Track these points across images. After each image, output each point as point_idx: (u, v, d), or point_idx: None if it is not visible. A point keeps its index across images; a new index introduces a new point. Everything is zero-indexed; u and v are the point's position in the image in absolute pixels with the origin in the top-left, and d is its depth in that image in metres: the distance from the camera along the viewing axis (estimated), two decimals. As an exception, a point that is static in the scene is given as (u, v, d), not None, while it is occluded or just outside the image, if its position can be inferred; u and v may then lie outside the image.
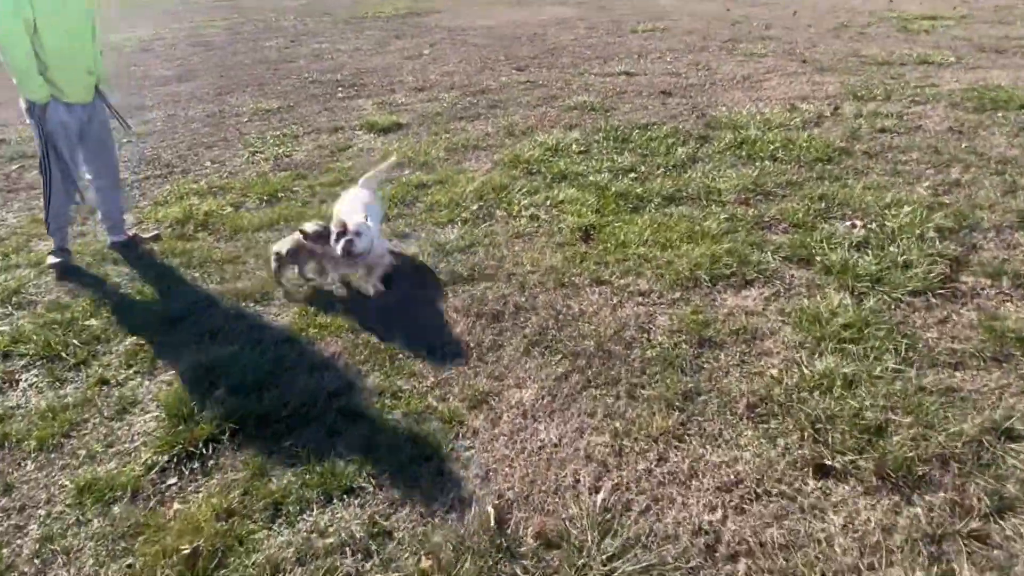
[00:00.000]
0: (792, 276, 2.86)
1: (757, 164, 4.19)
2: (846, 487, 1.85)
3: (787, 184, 3.84)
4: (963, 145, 4.35)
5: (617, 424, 2.13)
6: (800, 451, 1.97)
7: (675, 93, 6.18)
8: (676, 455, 2.01)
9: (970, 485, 1.81)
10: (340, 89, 7.39)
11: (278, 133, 5.68)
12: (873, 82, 6.12)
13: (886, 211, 3.39)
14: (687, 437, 2.07)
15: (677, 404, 2.19)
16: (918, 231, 3.11)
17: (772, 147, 4.44)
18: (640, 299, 2.76)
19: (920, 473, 1.85)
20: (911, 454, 1.89)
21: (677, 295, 2.77)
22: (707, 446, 2.03)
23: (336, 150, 5.15)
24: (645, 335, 2.55)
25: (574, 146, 4.71)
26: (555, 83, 6.92)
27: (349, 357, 2.56)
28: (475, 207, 3.77)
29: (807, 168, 4.08)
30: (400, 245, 3.42)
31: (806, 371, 2.25)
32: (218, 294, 3.12)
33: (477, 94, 6.65)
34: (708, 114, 5.39)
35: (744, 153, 4.40)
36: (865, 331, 2.41)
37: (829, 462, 1.91)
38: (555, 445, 2.08)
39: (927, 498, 1.79)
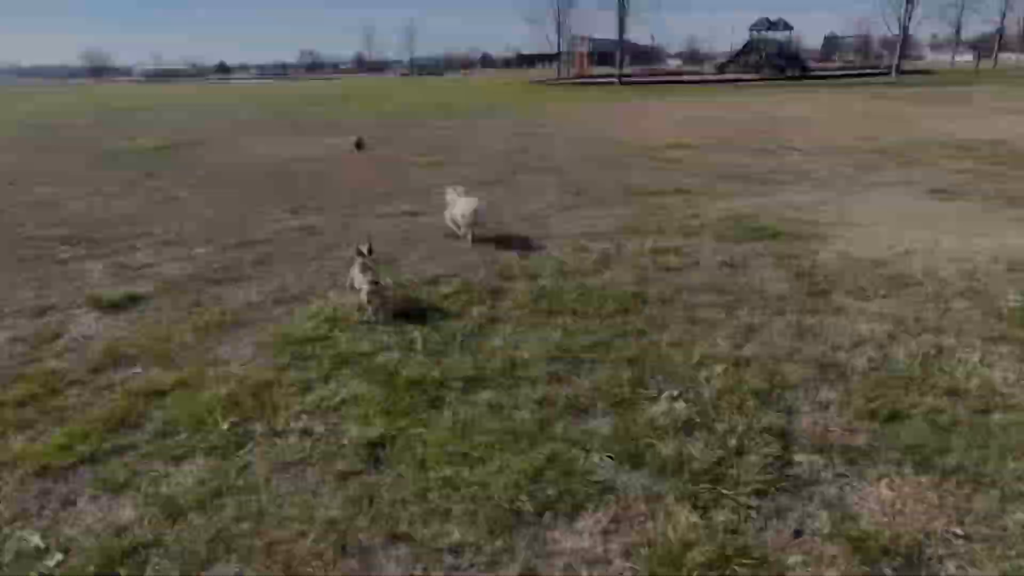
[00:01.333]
0: (627, 486, 2.40)
1: (559, 321, 3.87)
2: None
3: (594, 346, 3.53)
4: (742, 281, 4.49)
5: None
6: None
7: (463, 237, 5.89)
8: None
9: None
10: (64, 248, 6.01)
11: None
12: (643, 214, 6.43)
13: (698, 374, 3.18)
14: None
15: None
16: (736, 400, 2.90)
17: (570, 298, 4.20)
18: (453, 561, 2.08)
19: None
20: None
21: (499, 543, 2.14)
22: None
23: (39, 342, 3.89)
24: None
25: (356, 313, 4.04)
26: (334, 228, 6.31)
27: None
28: (226, 426, 2.86)
29: (609, 322, 3.84)
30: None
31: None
32: None
33: (241, 247, 5.77)
34: (500, 261, 5.11)
35: (544, 307, 4.09)
36: (727, 569, 1.97)
37: None
38: None
39: None
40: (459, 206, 5.61)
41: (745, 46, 39.99)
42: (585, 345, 3.55)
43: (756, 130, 13.41)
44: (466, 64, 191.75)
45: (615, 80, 36.88)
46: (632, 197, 7.27)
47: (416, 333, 3.75)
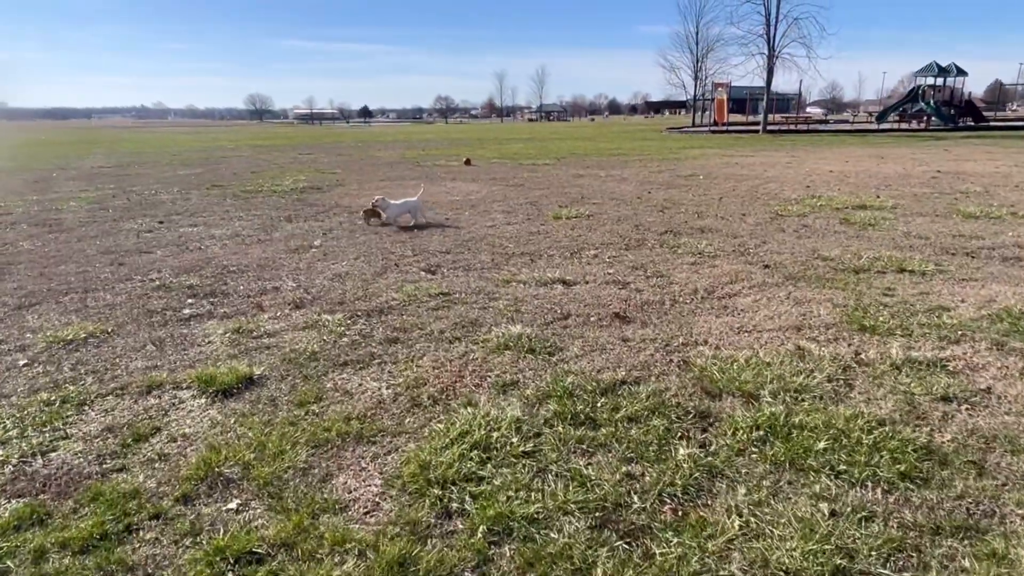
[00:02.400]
0: None
1: (814, 487, 2.59)
2: None
3: (893, 551, 2.22)
4: (1080, 435, 2.98)
5: None
6: None
7: (633, 317, 4.75)
8: None
9: None
10: (191, 301, 5.54)
11: (54, 398, 3.66)
12: (867, 302, 4.97)
13: None
14: None
15: None
16: None
17: (814, 440, 2.90)
18: None
19: None
20: None
21: None
22: None
23: (132, 438, 3.17)
24: None
25: (515, 439, 2.99)
26: (475, 297, 5.39)
27: None
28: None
29: (896, 498, 2.51)
30: None
31: None
32: None
33: (373, 315, 4.97)
34: (690, 360, 3.91)
35: (778, 455, 2.83)
36: None
37: None
38: None
39: None
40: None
41: (909, 93, 36.36)
42: (875, 546, 2.24)
43: (953, 189, 11.30)
44: (593, 110, 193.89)
45: (758, 129, 34.71)
46: (840, 275, 5.81)
47: (602, 477, 2.62)
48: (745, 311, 4.87)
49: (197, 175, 16.87)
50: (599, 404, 3.33)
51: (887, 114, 37.20)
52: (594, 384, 3.56)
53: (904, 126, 34.93)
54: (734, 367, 3.73)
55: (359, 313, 5.04)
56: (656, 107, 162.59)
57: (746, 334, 4.37)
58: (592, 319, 4.73)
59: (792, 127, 36.69)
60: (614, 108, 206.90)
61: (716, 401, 3.36)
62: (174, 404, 3.56)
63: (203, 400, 3.58)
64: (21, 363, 4.24)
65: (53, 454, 3.09)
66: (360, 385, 3.70)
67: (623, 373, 3.72)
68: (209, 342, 4.51)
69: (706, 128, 39.41)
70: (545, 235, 8.03)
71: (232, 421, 3.32)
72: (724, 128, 37.87)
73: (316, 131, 65.61)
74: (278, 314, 5.10)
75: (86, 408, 3.55)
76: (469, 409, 3.32)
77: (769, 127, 34.68)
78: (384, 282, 5.96)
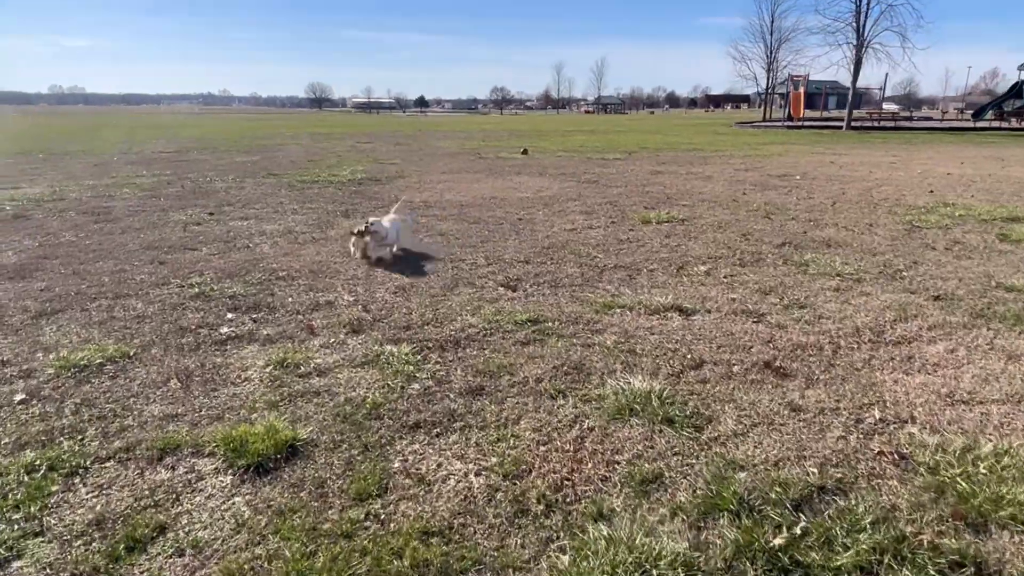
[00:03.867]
0: None
1: None
2: None
3: None
4: None
5: None
6: None
7: (791, 370, 3.58)
8: None
9: None
10: (230, 316, 4.65)
11: (41, 461, 2.76)
12: (1111, 360, 3.66)
13: None
14: None
15: None
16: None
17: None
18: None
19: None
20: None
21: None
22: None
23: (122, 549, 2.23)
24: None
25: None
26: (572, 327, 4.31)
27: None
28: None
29: None
30: None
31: None
32: None
33: (447, 348, 3.96)
34: (905, 451, 2.72)
35: None
36: None
37: None
38: None
39: None
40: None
41: (1011, 89, 33.28)
42: None
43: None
44: (651, 103, 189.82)
45: (839, 125, 32.36)
46: (1036, 312, 4.48)
47: None
48: (942, 366, 3.63)
49: (254, 162, 16.32)
50: (798, 531, 2.20)
51: (986, 111, 34.18)
52: (779, 491, 2.43)
53: (1004, 124, 31.97)
54: (985, 470, 2.53)
55: (430, 344, 4.02)
56: (716, 101, 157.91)
57: (964, 406, 3.14)
58: (736, 369, 3.58)
59: (877, 124, 34.12)
60: (673, 101, 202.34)
61: (983, 538, 2.19)
62: (190, 482, 2.60)
63: (228, 479, 2.62)
64: (18, 399, 3.38)
65: (12, 566, 2.16)
66: (439, 466, 2.67)
67: (814, 471, 2.57)
68: (246, 379, 3.57)
69: (780, 123, 37.13)
70: (637, 243, 6.87)
71: (263, 523, 2.33)
72: (800, 124, 35.57)
73: (374, 120, 65.74)
74: (332, 340, 4.13)
75: (77, 481, 2.63)
76: (602, 528, 2.24)
77: (852, 123, 32.27)
78: (457, 300, 4.94)
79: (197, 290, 5.31)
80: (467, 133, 31.54)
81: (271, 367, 3.70)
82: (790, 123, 36.24)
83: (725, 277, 5.51)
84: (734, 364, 3.65)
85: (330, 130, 36.80)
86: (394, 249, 6.28)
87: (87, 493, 2.56)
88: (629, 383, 3.34)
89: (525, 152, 17.96)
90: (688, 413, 3.04)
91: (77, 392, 3.45)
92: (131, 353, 4.00)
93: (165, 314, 4.76)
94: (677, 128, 37.87)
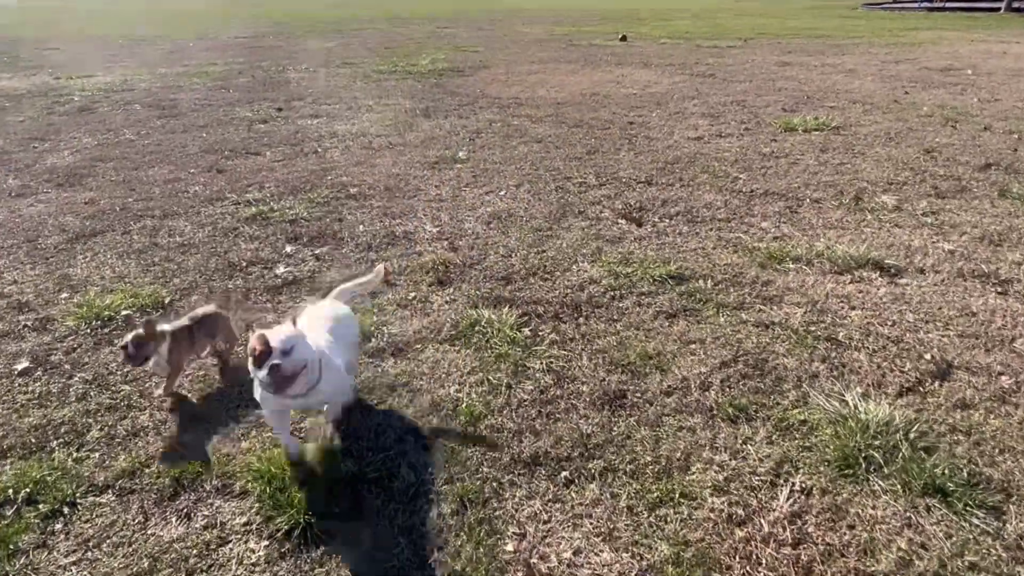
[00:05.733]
0: None
1: None
2: None
3: None
4: None
5: None
6: None
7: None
8: None
9: None
10: (289, 250, 3.75)
11: (18, 482, 1.98)
12: None
13: None
14: None
15: None
16: None
17: None
18: None
19: None
20: None
21: None
22: None
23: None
24: None
25: None
26: (732, 288, 3.14)
27: None
28: None
29: None
30: None
31: None
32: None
33: (564, 318, 2.91)
34: None
35: None
36: None
37: None
38: None
39: None
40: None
41: None
42: None
43: None
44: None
45: (997, 7, 27.39)
46: None
47: None
48: None
49: (328, 49, 15.14)
50: None
51: None
52: None
53: None
54: None
55: (541, 310, 2.98)
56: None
57: None
58: (1007, 383, 2.36)
59: (1042, 4, 28.57)
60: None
61: None
62: (214, 541, 1.75)
63: (263, 548, 1.74)
64: (18, 368, 2.63)
65: None
66: (577, 555, 1.70)
67: None
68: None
69: (917, 4, 31.94)
70: (787, 159, 5.43)
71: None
72: (943, 6, 30.43)
73: (454, 1, 62.15)
74: (412, 295, 3.16)
75: (58, 524, 1.84)
76: None
77: (1014, 4, 27.17)
78: (568, 238, 3.83)
79: (255, 209, 4.42)
80: (555, 15, 28.85)
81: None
82: (931, 5, 31.10)
83: (925, 215, 4.10)
84: (1001, 372, 2.42)
85: (408, 13, 34.71)
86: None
87: (66, 549, 1.75)
88: (847, 403, 2.20)
89: (624, 39, 15.85)
90: (966, 478, 1.90)
91: (91, 362, 2.66)
92: (166, 299, 3.18)
93: (215, 242, 3.92)
94: (795, 11, 33.39)
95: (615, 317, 2.89)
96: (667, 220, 4.11)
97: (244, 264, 3.59)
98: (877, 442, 2.00)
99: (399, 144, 6.19)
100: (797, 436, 2.10)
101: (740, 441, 2.09)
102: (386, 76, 10.63)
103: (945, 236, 3.75)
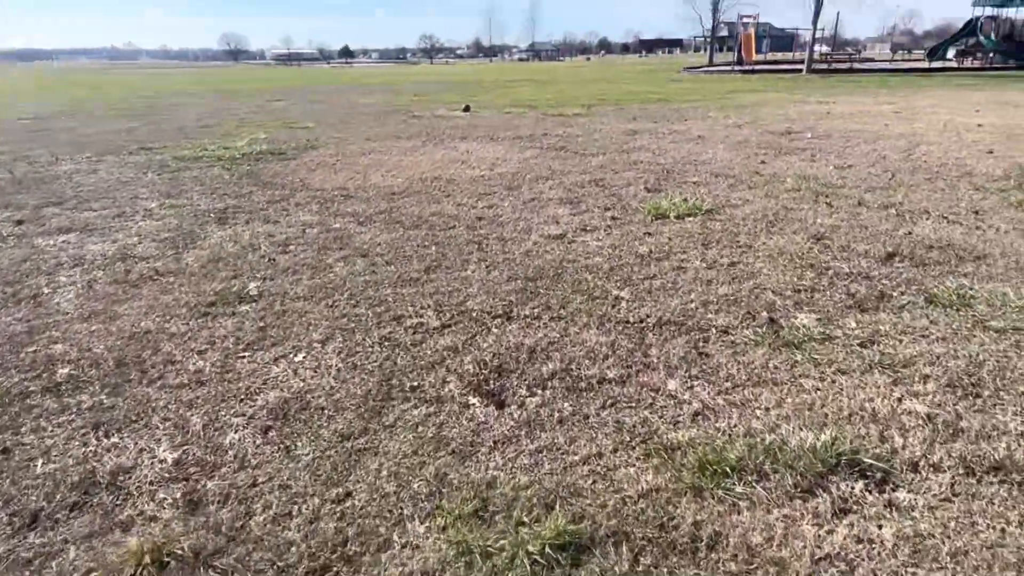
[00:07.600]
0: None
1: None
2: None
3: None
4: None
5: None
6: None
7: None
8: None
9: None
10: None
11: None
12: None
13: None
14: None
15: None
16: None
17: None
18: None
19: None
20: None
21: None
22: None
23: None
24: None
25: None
26: (638, 543, 1.84)
27: None
28: None
29: None
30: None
31: None
32: None
33: None
34: None
35: None
36: None
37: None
38: None
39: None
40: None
41: (965, 27, 32.02)
42: None
43: None
44: (584, 49, 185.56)
45: (798, 68, 30.49)
46: None
47: None
48: None
49: (129, 131, 12.91)
50: None
51: (941, 50, 32.93)
52: None
53: (964, 64, 30.75)
54: None
55: None
56: (649, 46, 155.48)
57: None
58: None
59: (834, 66, 32.39)
60: (605, 47, 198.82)
61: None
62: None
63: None
64: None
65: None
66: None
67: None
68: None
69: (729, 68, 35.05)
70: (669, 261, 4.43)
71: None
72: (752, 68, 33.59)
73: (293, 73, 60.42)
74: None
75: None
76: None
77: (812, 66, 30.42)
78: (390, 454, 2.39)
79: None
80: (396, 87, 28.11)
81: None
82: (741, 67, 34.22)
83: (864, 346, 3.14)
84: None
85: (241, 85, 32.47)
86: None
87: None
88: None
89: (467, 109, 15.12)
90: None
91: None
92: None
93: None
94: (624, 75, 35.32)
95: None
96: (539, 392, 2.81)
97: None
98: None
99: (169, 272, 4.50)
100: None
101: None
102: (188, 164, 8.79)
103: (908, 388, 2.76)
